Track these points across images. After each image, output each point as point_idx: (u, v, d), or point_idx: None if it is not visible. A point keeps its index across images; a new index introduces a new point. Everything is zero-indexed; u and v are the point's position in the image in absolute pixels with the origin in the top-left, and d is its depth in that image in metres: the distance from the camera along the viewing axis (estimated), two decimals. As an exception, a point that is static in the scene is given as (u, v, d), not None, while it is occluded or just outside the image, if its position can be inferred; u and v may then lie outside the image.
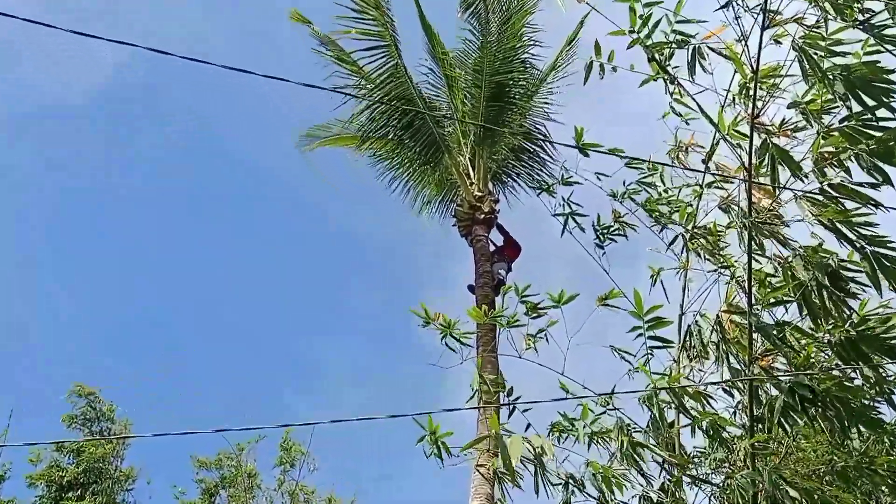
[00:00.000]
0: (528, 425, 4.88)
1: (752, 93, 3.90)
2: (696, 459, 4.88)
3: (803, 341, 4.37)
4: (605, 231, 5.98)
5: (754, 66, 3.83)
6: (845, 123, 3.89)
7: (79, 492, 13.35)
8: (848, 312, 4.16)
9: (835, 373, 4.18)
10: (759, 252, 4.56)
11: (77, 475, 13.45)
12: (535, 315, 5.48)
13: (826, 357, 4.40)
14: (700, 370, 5.11)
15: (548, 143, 9.34)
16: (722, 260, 4.98)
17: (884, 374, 4.16)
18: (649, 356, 4.90)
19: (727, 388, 4.90)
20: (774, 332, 4.41)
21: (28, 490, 13.58)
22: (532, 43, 8.70)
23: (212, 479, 14.60)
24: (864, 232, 4.01)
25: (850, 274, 4.20)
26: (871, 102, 3.56)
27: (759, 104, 4.01)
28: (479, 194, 9.03)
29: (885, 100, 3.62)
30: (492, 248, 8.93)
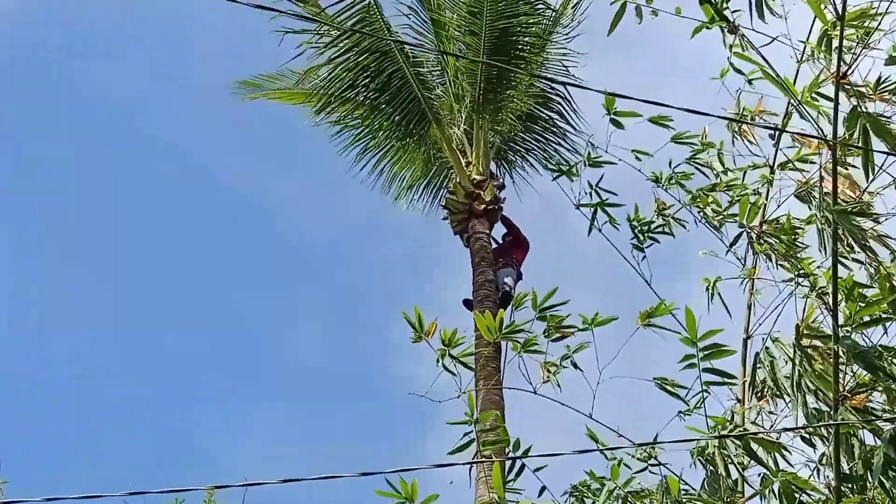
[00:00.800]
0: (543, 488, 4.85)
1: (836, 44, 3.78)
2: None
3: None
4: (646, 227, 5.98)
5: (839, 10, 3.72)
6: None
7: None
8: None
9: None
10: (847, 255, 4.54)
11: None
12: (557, 337, 5.48)
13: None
14: (771, 413, 5.05)
15: (568, 109, 9.27)
16: (799, 266, 4.93)
17: None
18: (705, 394, 4.86)
19: (806, 437, 4.78)
20: (870, 361, 4.30)
21: None
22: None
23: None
24: None
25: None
26: None
27: (847, 59, 3.94)
28: (479, 178, 8.99)
29: None
30: (494, 247, 8.90)
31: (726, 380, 4.84)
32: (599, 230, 6.08)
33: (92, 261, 21.16)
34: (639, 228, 5.97)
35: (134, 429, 17.78)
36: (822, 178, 4.50)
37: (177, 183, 21.61)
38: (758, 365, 4.63)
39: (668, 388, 5.09)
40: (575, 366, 5.33)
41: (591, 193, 6.15)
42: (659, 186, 5.93)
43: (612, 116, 5.66)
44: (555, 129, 9.51)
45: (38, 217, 20.95)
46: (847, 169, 4.52)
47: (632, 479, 4.62)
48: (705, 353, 4.68)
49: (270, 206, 21.80)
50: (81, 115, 21.21)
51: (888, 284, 4.24)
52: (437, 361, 5.39)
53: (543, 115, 9.50)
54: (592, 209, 6.12)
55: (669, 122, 5.70)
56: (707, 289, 5.18)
